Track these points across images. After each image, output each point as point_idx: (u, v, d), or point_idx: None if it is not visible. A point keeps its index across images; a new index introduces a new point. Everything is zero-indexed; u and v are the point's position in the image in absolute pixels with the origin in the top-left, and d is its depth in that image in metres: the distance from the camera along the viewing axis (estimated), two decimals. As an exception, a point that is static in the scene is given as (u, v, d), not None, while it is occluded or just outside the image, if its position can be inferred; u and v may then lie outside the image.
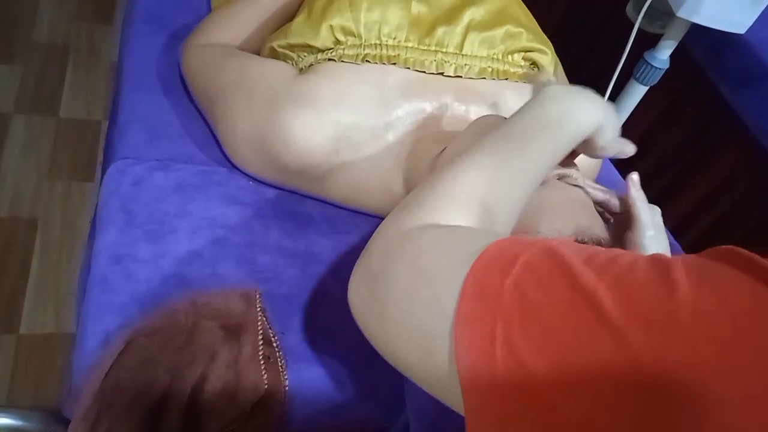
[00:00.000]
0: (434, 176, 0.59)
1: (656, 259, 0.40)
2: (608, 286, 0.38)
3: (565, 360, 0.37)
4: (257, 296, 0.77)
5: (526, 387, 0.38)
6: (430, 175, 0.60)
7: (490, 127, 0.77)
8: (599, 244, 0.68)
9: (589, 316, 0.37)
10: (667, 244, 0.78)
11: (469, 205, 0.55)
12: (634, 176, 0.72)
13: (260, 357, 0.72)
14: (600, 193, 0.76)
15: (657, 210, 0.77)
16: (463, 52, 0.89)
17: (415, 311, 0.46)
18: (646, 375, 0.34)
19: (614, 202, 0.76)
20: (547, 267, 0.42)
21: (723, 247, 0.41)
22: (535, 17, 1.03)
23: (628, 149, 0.71)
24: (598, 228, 0.70)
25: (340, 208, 0.94)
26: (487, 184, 0.57)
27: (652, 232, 0.74)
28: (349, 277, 0.55)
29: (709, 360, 0.33)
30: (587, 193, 0.75)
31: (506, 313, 0.40)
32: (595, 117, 0.65)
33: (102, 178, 0.93)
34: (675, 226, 0.77)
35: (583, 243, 0.67)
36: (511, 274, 0.41)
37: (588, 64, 1.80)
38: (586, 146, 0.69)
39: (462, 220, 0.54)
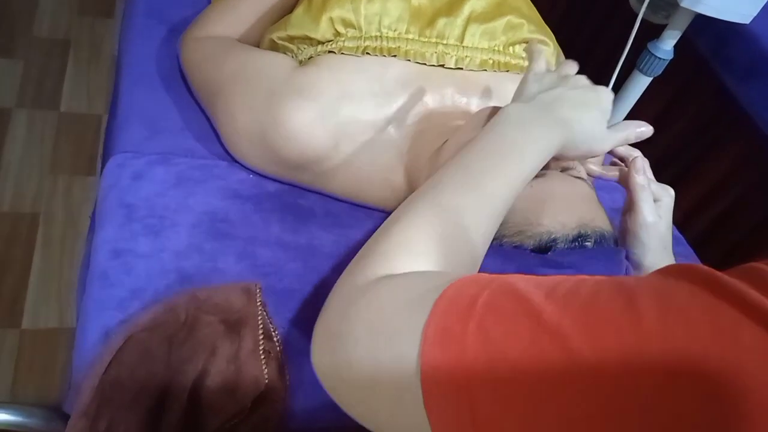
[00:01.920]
0: (389, 222, 0.57)
1: (619, 284, 0.39)
2: (573, 321, 0.37)
3: (536, 403, 0.36)
4: (258, 290, 0.77)
5: None
6: (386, 220, 0.58)
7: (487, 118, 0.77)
8: (603, 236, 0.68)
9: (556, 355, 0.37)
10: (669, 233, 0.77)
11: (427, 249, 0.53)
12: (637, 161, 0.71)
13: (261, 351, 0.72)
14: (595, 167, 0.76)
15: (669, 192, 0.76)
16: (464, 44, 0.88)
17: (380, 370, 0.44)
18: (621, 409, 0.34)
19: (611, 175, 0.75)
20: (509, 306, 0.41)
21: (683, 264, 0.40)
22: (538, 8, 1.02)
23: (628, 136, 0.69)
24: (601, 220, 0.70)
25: (341, 201, 0.93)
26: (445, 225, 0.54)
27: (650, 219, 0.74)
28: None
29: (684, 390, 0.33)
30: (587, 181, 0.75)
31: (473, 358, 0.39)
32: (555, 139, 0.63)
33: (101, 172, 0.92)
34: (680, 219, 0.77)
35: (587, 235, 0.67)
36: (472, 318, 0.40)
37: (592, 54, 1.79)
38: (558, 161, 0.68)
39: (419, 265, 0.52)
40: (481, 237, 0.57)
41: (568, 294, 0.40)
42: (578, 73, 0.72)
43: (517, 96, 0.70)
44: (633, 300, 0.37)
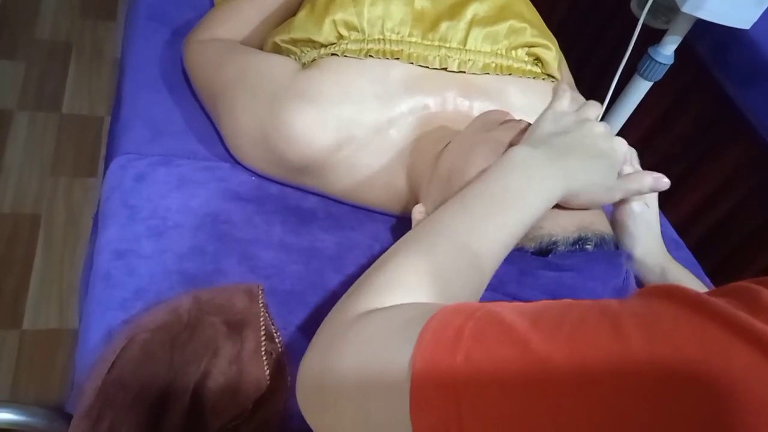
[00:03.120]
0: (382, 260, 0.56)
1: (604, 309, 0.39)
2: (560, 350, 0.37)
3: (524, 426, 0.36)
4: (260, 292, 0.77)
5: None
6: (380, 258, 0.57)
7: (493, 123, 0.77)
8: (603, 239, 0.68)
9: (544, 378, 0.36)
10: (657, 220, 0.78)
11: (419, 287, 0.52)
12: (662, 184, 0.71)
13: (263, 352, 0.72)
14: None
15: (634, 154, 0.77)
16: (467, 47, 0.89)
17: (369, 406, 0.44)
18: (610, 423, 0.34)
19: None
20: (495, 336, 0.40)
21: (664, 285, 0.40)
22: (539, 13, 1.02)
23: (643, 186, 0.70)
24: (602, 223, 0.70)
25: (343, 203, 0.94)
26: (440, 267, 0.54)
27: (638, 209, 0.75)
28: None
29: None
30: None
31: (464, 391, 0.38)
32: (558, 190, 0.63)
33: (104, 173, 0.93)
34: (680, 224, 0.77)
35: (587, 238, 0.67)
36: (460, 350, 0.40)
37: (593, 59, 1.80)
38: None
39: (411, 299, 0.51)
40: (474, 282, 0.56)
41: (554, 322, 0.40)
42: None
43: (531, 132, 0.69)
44: (619, 325, 0.37)
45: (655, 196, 0.79)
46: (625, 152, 0.69)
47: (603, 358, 0.36)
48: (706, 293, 0.39)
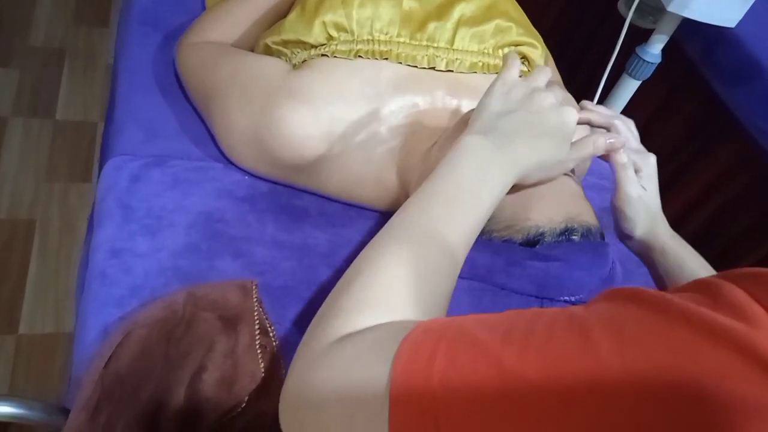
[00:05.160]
0: (349, 276, 0.56)
1: (571, 318, 0.40)
2: (534, 365, 0.38)
3: None
4: (254, 287, 0.78)
5: None
6: (345, 274, 0.57)
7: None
8: (589, 230, 0.69)
9: (524, 403, 0.37)
10: (657, 200, 0.79)
11: (389, 303, 0.52)
12: (617, 143, 0.71)
13: (257, 346, 0.73)
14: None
15: (649, 160, 0.77)
16: (454, 47, 0.90)
17: (351, 431, 0.44)
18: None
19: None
20: (468, 356, 0.41)
21: (627, 288, 0.41)
22: (530, 15, 1.04)
23: (594, 150, 0.70)
24: (588, 215, 0.72)
25: (335, 201, 0.95)
26: (405, 275, 0.53)
27: (634, 194, 0.75)
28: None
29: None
30: (573, 177, 0.76)
31: (443, 412, 0.39)
32: (510, 179, 0.63)
33: (99, 174, 0.94)
34: (671, 222, 0.78)
35: (574, 229, 0.68)
36: (435, 372, 0.40)
37: (583, 59, 1.81)
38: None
39: (383, 320, 0.50)
40: (443, 283, 0.56)
41: (524, 335, 0.40)
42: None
43: (480, 111, 0.68)
44: (588, 334, 0.38)
45: (653, 175, 0.79)
46: (574, 121, 0.67)
47: (575, 370, 0.36)
48: (672, 290, 0.40)
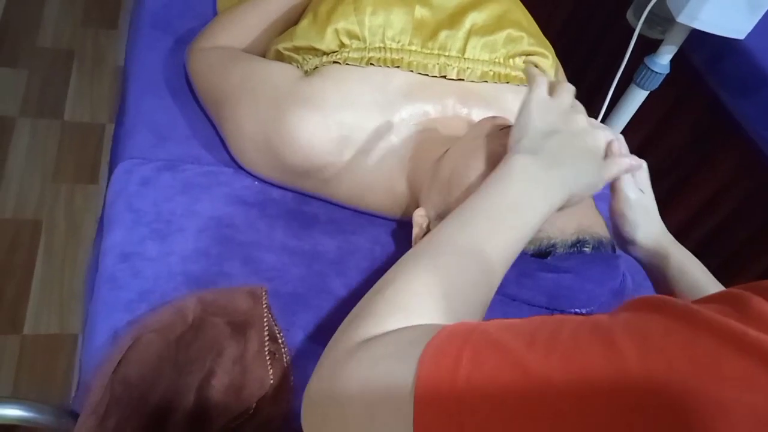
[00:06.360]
0: (383, 282, 0.56)
1: (596, 325, 0.40)
2: (559, 370, 0.38)
3: None
4: (263, 294, 0.78)
5: None
6: (380, 279, 0.57)
7: (492, 130, 0.77)
8: (600, 242, 0.69)
9: (548, 407, 0.37)
10: (653, 203, 0.78)
11: (422, 310, 0.52)
12: (614, 145, 0.70)
13: (266, 353, 0.73)
14: None
15: (641, 164, 0.76)
16: (466, 56, 0.90)
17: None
18: None
19: None
20: (493, 359, 0.41)
21: (653, 297, 0.41)
22: (537, 22, 1.04)
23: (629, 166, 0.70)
24: (599, 226, 0.72)
25: (345, 208, 0.95)
26: (442, 287, 0.54)
27: (633, 196, 0.75)
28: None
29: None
30: None
31: (468, 416, 0.39)
32: (557, 202, 0.63)
33: (109, 178, 0.94)
34: (674, 232, 0.78)
35: (585, 241, 0.69)
36: (460, 375, 0.41)
37: (590, 69, 1.81)
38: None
39: (413, 323, 0.51)
40: (478, 296, 0.56)
41: (548, 340, 0.41)
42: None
43: (522, 131, 0.66)
44: (612, 340, 0.38)
45: (646, 178, 0.78)
46: (604, 143, 0.68)
47: (600, 376, 0.36)
48: (696, 302, 0.40)
